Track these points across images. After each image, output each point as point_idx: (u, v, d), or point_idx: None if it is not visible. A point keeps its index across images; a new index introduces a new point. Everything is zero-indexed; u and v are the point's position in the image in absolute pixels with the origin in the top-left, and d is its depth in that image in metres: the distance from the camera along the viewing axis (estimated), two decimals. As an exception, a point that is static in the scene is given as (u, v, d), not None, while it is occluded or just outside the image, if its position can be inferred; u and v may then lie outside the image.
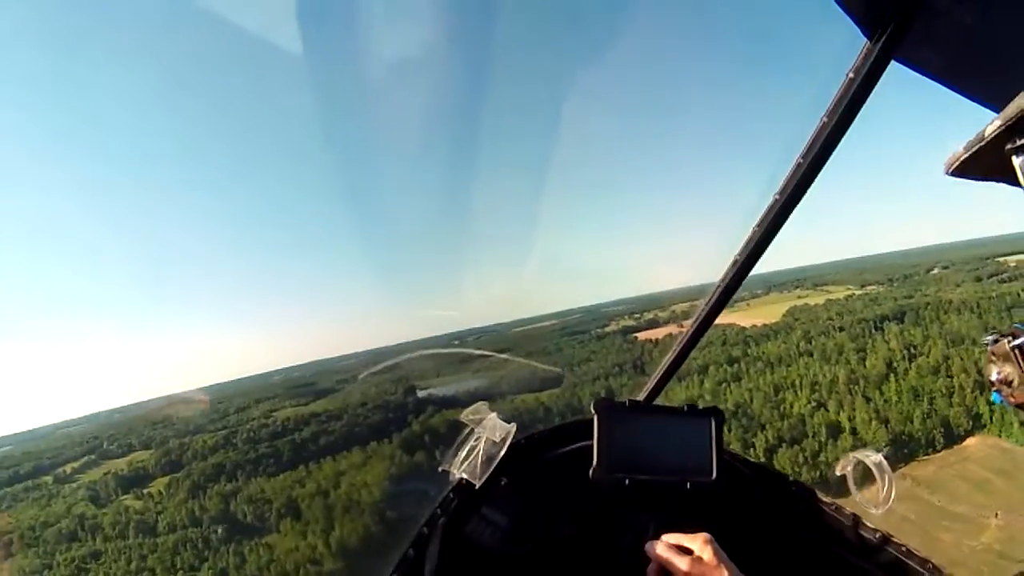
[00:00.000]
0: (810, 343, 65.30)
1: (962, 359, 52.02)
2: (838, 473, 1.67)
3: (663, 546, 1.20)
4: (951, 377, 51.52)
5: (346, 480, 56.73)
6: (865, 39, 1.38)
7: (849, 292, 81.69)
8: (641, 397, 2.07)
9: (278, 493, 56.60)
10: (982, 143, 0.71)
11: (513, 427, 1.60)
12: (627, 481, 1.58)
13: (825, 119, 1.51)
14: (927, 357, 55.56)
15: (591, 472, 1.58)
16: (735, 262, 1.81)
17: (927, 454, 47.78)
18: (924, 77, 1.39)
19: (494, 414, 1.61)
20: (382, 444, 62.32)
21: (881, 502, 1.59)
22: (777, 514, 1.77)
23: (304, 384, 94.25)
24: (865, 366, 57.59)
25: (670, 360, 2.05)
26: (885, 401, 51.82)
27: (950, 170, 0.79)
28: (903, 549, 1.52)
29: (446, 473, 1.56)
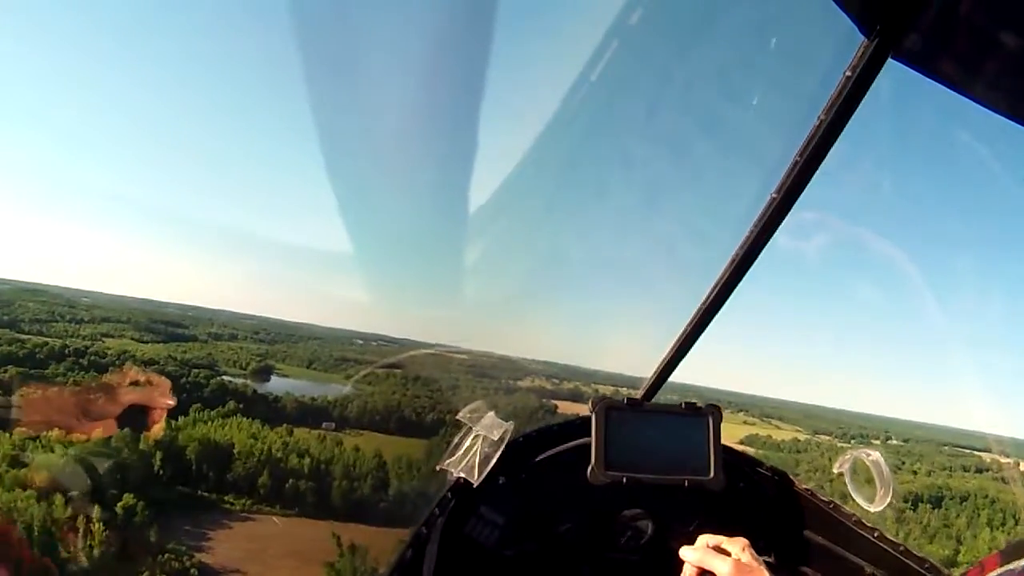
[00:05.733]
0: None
1: None
2: (836, 471, 1.69)
3: (702, 549, 1.13)
4: None
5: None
6: (863, 37, 1.38)
7: (804, 435, 74.80)
8: (638, 395, 2.07)
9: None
10: None
11: (511, 425, 1.60)
12: (625, 480, 1.59)
13: (822, 116, 1.51)
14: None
15: (589, 471, 1.59)
16: (733, 260, 1.82)
17: None
18: (923, 77, 1.39)
19: (492, 412, 1.61)
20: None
21: (878, 501, 1.62)
22: (775, 512, 1.77)
23: (166, 322, 75.75)
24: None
25: (668, 358, 2.05)
26: None
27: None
28: (901, 548, 1.54)
29: (444, 472, 1.56)
